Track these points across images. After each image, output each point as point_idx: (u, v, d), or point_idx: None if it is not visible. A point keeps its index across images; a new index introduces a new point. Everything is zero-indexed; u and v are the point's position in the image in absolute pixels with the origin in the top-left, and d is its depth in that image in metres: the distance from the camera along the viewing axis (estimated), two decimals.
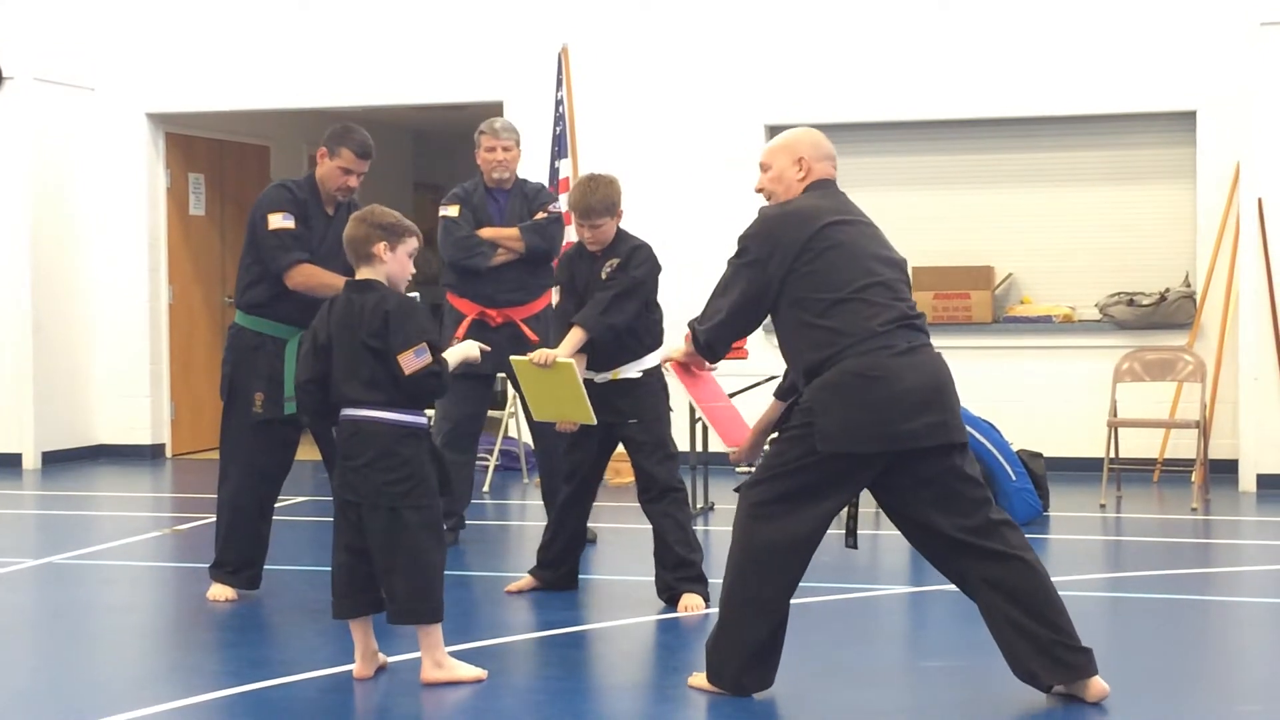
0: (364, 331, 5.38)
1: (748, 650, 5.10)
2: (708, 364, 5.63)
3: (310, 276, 6.59)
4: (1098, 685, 5.05)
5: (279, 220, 6.65)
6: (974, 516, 5.04)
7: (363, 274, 5.50)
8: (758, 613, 5.08)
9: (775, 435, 5.21)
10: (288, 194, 6.74)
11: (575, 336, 6.45)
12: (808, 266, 5.04)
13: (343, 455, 5.46)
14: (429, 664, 5.39)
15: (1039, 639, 5.01)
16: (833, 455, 4.95)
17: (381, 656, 5.55)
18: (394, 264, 5.46)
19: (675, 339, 6.85)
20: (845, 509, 5.31)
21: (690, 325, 5.37)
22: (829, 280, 5.02)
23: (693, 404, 6.15)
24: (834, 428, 4.93)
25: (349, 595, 5.47)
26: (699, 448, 9.11)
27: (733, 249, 5.27)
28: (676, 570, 6.54)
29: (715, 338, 5.28)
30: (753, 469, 5.37)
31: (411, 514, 5.36)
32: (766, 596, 5.08)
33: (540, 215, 8.00)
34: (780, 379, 5.41)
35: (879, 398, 4.92)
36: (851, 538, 5.34)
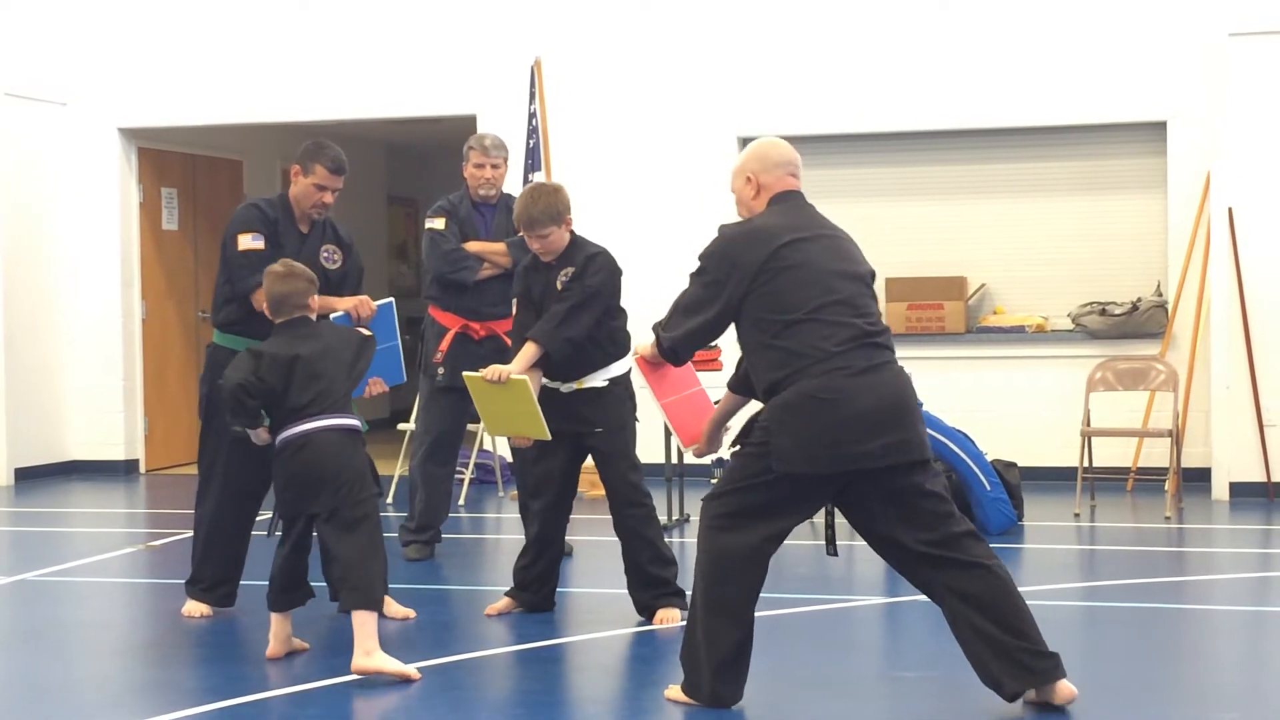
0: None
1: (718, 659, 5.10)
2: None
3: None
4: (1065, 688, 5.07)
5: (248, 241, 6.62)
6: (937, 530, 5.05)
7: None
8: (724, 621, 5.09)
9: (736, 449, 5.22)
10: (258, 213, 6.71)
11: (529, 352, 6.34)
12: (765, 288, 5.05)
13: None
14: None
15: (1004, 646, 5.02)
16: (789, 474, 4.97)
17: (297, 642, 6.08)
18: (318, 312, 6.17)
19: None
20: (823, 518, 5.33)
21: (655, 330, 5.40)
22: (785, 301, 5.03)
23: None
24: (790, 448, 4.95)
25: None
26: (674, 459, 9.11)
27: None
28: (651, 590, 6.52)
29: (679, 346, 5.32)
30: (716, 474, 5.37)
31: None
32: (731, 604, 5.09)
33: None
34: (734, 369, 5.42)
35: (834, 419, 4.92)
36: (831, 545, 5.35)
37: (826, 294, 5.03)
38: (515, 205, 6.54)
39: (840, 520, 5.30)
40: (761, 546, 5.08)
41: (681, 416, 5.67)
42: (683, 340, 5.28)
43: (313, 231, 6.76)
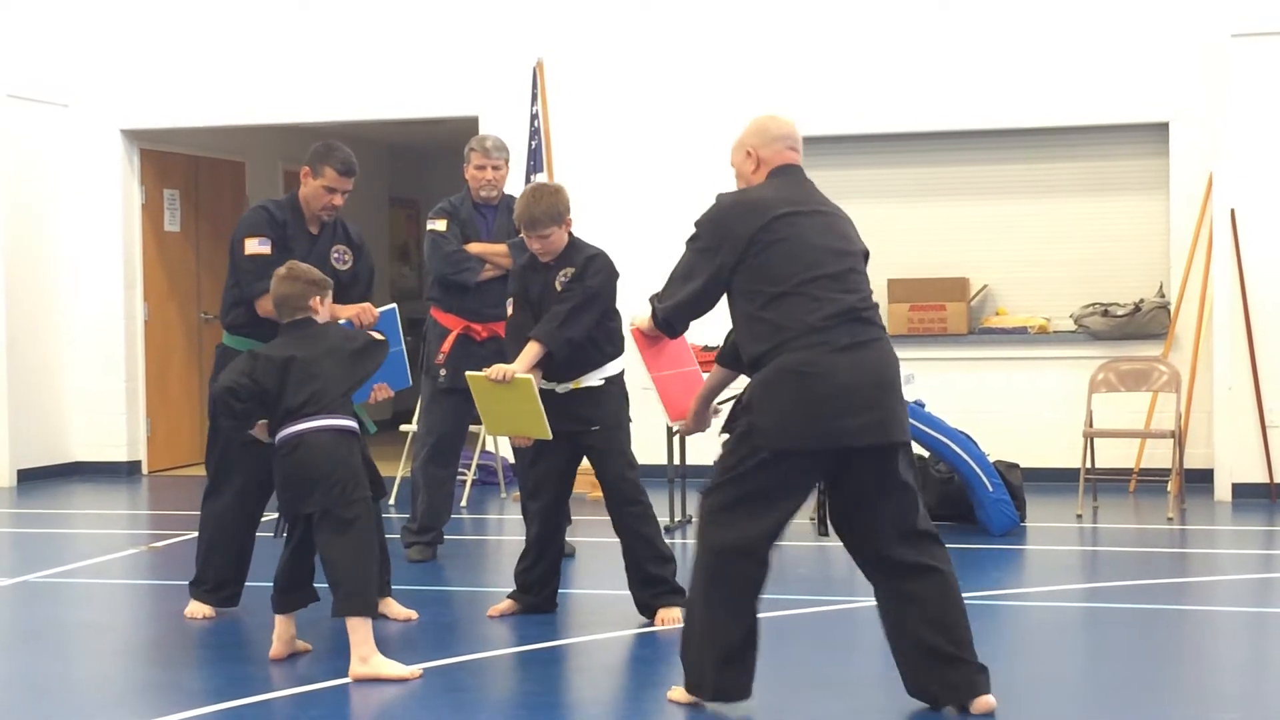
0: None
1: (720, 654, 5.06)
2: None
3: None
4: (986, 701, 5.04)
5: (255, 245, 6.62)
6: (901, 523, 5.05)
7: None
8: (726, 617, 5.06)
9: (725, 436, 5.21)
10: (266, 216, 6.70)
11: (532, 351, 6.35)
12: (754, 259, 5.05)
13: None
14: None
15: (946, 656, 5.01)
16: (777, 455, 4.95)
17: (300, 643, 6.07)
18: (324, 314, 6.05)
19: None
20: (815, 499, 5.32)
21: (651, 300, 5.41)
22: (772, 274, 5.02)
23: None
24: (771, 424, 4.94)
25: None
26: (676, 460, 9.11)
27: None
28: (651, 588, 6.53)
29: (673, 316, 5.32)
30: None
31: None
32: (733, 600, 5.06)
33: None
34: (723, 343, 5.42)
35: (813, 394, 4.91)
36: (822, 525, 5.35)
37: (815, 268, 5.02)
38: (516, 205, 6.55)
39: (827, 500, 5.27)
40: (760, 540, 5.05)
41: (672, 392, 5.66)
42: (676, 310, 5.28)
43: (323, 232, 6.76)
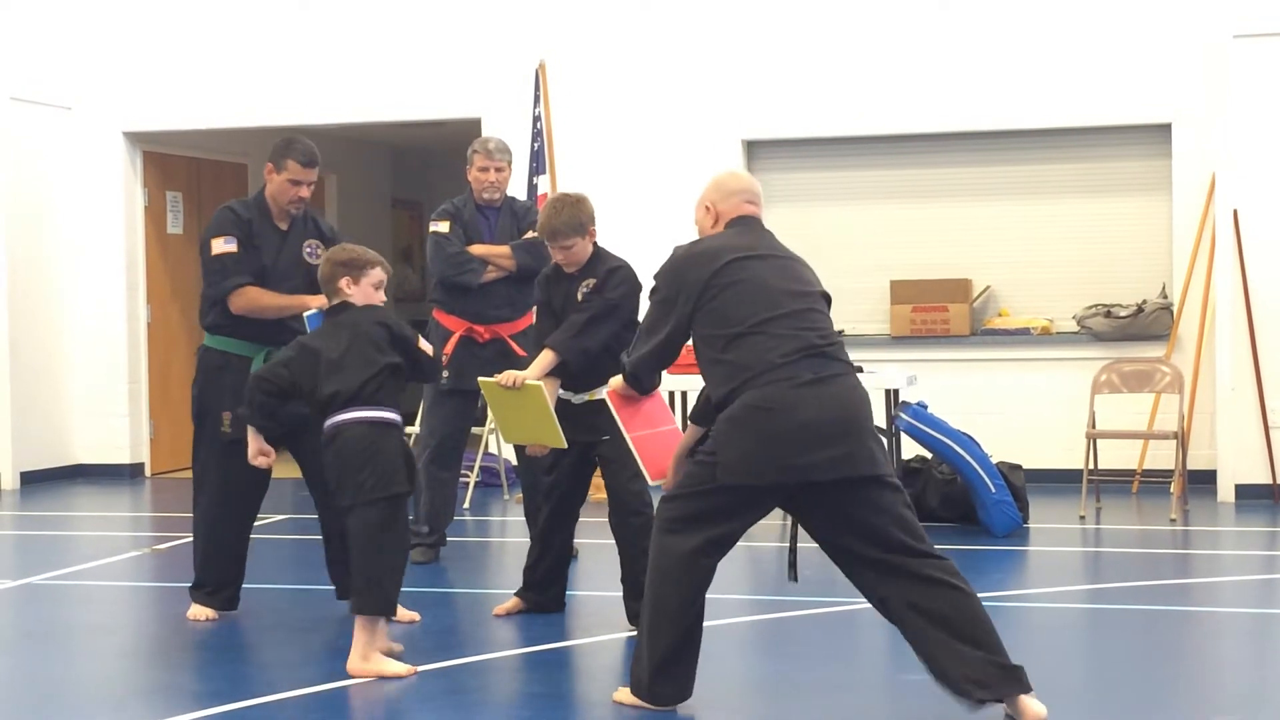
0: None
1: (657, 659, 5.14)
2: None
3: (252, 300, 6.58)
4: (1031, 706, 4.95)
5: (221, 245, 6.65)
6: (886, 547, 5.02)
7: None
8: (666, 623, 5.13)
9: (693, 456, 5.25)
10: (231, 216, 6.73)
11: (546, 359, 6.36)
12: (710, 304, 5.11)
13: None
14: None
15: (965, 657, 4.95)
16: (736, 485, 5.00)
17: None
18: (359, 296, 5.86)
19: None
20: (788, 542, 5.36)
21: (622, 357, 5.48)
22: (729, 316, 5.08)
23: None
24: (734, 459, 4.98)
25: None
26: None
27: None
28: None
29: (639, 370, 5.42)
30: None
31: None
32: (672, 607, 5.13)
33: (530, 233, 8.00)
34: (696, 401, 5.44)
35: (775, 430, 4.93)
36: (792, 570, 5.40)
37: (772, 308, 5.07)
38: (539, 215, 6.56)
39: (797, 545, 5.31)
40: (701, 550, 5.09)
41: (650, 452, 5.64)
42: (641, 363, 5.37)
43: (293, 228, 6.78)
